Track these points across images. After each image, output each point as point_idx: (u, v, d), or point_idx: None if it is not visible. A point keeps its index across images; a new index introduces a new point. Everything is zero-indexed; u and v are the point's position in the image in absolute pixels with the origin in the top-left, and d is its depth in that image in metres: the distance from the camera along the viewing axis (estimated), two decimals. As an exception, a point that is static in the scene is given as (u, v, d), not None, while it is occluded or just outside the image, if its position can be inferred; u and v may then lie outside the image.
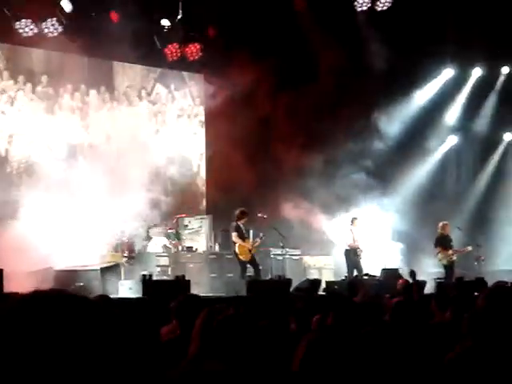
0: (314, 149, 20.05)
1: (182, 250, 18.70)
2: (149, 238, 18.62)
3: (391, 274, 16.93)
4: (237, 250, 17.46)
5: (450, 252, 18.71)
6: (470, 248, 19.08)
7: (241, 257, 17.45)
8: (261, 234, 17.89)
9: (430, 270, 18.51)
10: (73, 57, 18.81)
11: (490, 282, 12.82)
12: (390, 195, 21.21)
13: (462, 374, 3.30)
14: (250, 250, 17.51)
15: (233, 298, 11.09)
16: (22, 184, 18.40)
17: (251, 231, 18.13)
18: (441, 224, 19.02)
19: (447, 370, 3.37)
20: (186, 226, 19.50)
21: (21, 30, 18.06)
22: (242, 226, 17.67)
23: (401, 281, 12.67)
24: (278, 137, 20.19)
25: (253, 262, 17.58)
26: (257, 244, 17.82)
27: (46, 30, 18.29)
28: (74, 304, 1.62)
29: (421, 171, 22.42)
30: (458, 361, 3.47)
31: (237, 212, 17.80)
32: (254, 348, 3.99)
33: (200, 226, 19.69)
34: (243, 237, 17.59)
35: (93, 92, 20.19)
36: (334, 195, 19.95)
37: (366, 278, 17.40)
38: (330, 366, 3.25)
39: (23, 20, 17.96)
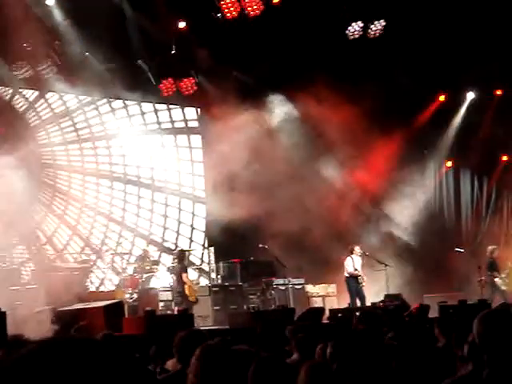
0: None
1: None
2: (151, 274, 18.59)
3: (395, 299, 16.91)
4: (187, 291, 17.02)
5: (503, 275, 18.70)
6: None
7: (190, 298, 17.03)
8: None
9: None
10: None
11: (495, 304, 12.88)
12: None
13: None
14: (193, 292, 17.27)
15: (236, 331, 11.09)
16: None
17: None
18: (490, 248, 18.96)
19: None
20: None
21: (16, 73, 18.21)
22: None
23: (416, 305, 13.20)
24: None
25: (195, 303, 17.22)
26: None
27: (42, 72, 18.44)
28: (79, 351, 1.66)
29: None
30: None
31: (178, 252, 17.90)
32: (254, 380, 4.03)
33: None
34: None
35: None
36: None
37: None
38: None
39: (19, 63, 18.11)
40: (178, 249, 18.79)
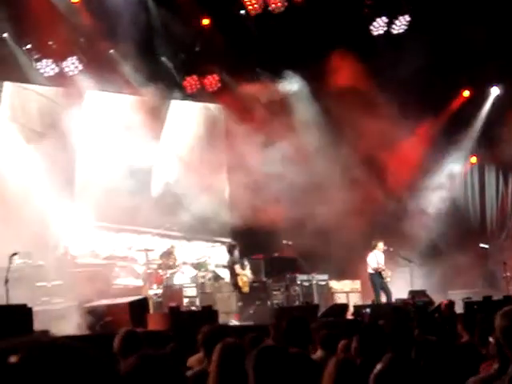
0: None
1: (209, 279, 18.77)
2: (175, 269, 18.61)
3: (421, 296, 16.87)
4: (240, 283, 17.41)
5: None
6: None
7: (244, 289, 17.45)
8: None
9: None
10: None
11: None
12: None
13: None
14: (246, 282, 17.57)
15: (261, 327, 11.10)
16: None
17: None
18: None
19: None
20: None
21: (42, 71, 18.33)
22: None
23: (445, 301, 13.30)
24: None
25: (249, 293, 17.58)
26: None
27: (66, 69, 18.55)
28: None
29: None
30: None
31: (227, 245, 18.21)
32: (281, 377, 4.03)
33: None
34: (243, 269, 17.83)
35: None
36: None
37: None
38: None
39: (44, 60, 18.23)
40: (229, 242, 18.98)
